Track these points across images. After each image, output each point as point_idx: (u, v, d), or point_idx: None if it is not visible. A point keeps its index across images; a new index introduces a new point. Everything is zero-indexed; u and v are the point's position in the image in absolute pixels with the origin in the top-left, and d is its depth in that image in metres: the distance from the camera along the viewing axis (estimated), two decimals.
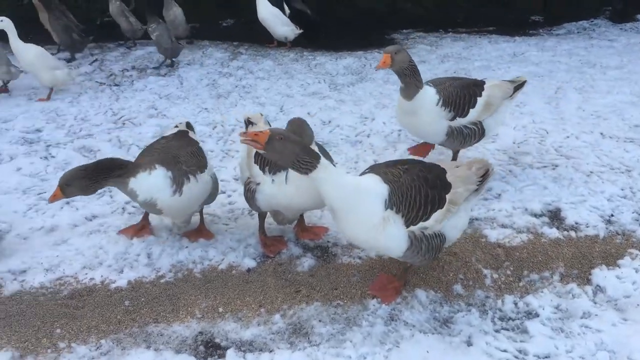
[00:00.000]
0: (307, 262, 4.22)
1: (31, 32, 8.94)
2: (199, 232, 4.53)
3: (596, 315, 3.72)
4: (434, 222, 3.49)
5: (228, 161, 5.84)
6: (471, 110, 4.95)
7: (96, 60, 9.34)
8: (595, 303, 3.83)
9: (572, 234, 4.56)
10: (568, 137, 6.26)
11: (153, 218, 4.58)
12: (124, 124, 6.79)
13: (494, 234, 4.54)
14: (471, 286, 3.99)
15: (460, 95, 4.90)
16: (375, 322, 3.64)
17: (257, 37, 10.33)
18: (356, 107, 7.27)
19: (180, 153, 4.18)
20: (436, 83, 5.01)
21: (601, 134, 6.33)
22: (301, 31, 9.95)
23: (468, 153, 5.74)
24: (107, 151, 5.99)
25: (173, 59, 8.99)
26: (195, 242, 4.43)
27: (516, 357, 3.41)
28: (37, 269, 4.16)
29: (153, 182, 3.96)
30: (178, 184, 4.02)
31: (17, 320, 3.66)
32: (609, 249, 4.37)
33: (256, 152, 3.88)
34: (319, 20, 10.40)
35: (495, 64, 9.06)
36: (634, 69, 8.76)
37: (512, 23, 11.86)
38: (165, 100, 7.58)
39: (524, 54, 9.71)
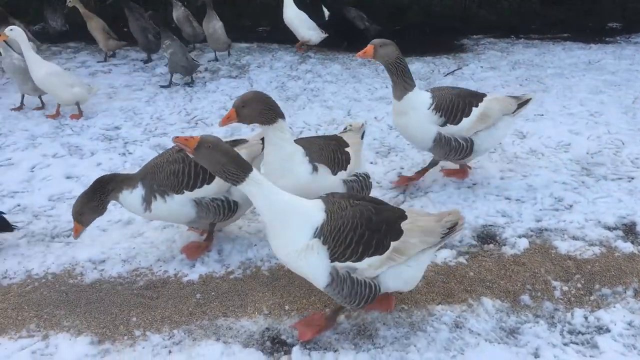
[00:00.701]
0: None
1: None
2: (197, 247, 4.46)
3: None
4: (366, 266, 3.27)
5: None
6: (464, 118, 4.87)
7: None
8: None
9: None
10: None
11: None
12: (196, 123, 7.03)
13: (564, 246, 4.45)
14: (539, 297, 3.92)
15: (455, 102, 4.85)
16: (440, 329, 3.63)
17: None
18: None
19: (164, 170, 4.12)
20: (435, 89, 5.01)
21: None
22: (326, 35, 9.91)
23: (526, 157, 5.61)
24: None
25: (192, 76, 8.54)
26: (192, 259, 4.38)
27: None
28: (115, 260, 4.38)
29: (129, 201, 4.10)
30: (148, 202, 4.09)
31: (96, 308, 3.88)
32: None
33: None
34: (370, 31, 10.27)
35: (569, 72, 8.81)
36: None
37: (588, 30, 11.49)
38: None
39: (600, 61, 9.39)
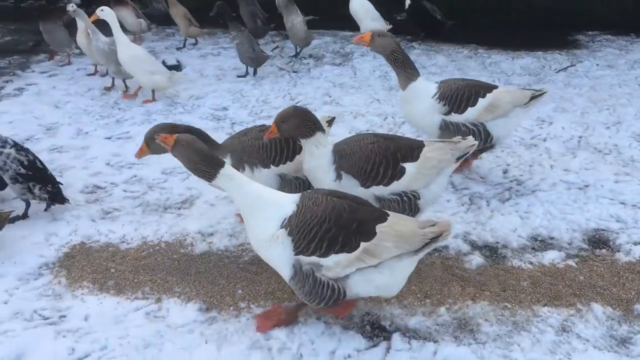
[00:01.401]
0: (475, 260, 4.20)
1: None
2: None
3: None
4: (332, 265, 3.19)
5: None
6: (470, 108, 4.90)
7: (277, 47, 9.91)
8: None
9: None
10: None
11: None
12: None
13: None
14: None
15: (460, 92, 4.91)
16: (546, 330, 3.53)
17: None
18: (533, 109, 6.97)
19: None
20: (444, 81, 5.09)
21: None
22: (391, 26, 9.55)
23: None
24: None
25: (256, 68, 8.39)
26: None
27: None
28: (223, 234, 4.57)
29: None
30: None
31: (205, 277, 4.07)
32: None
33: None
34: (445, 23, 9.98)
35: None
36: None
37: None
38: (339, 88, 7.85)
39: None
